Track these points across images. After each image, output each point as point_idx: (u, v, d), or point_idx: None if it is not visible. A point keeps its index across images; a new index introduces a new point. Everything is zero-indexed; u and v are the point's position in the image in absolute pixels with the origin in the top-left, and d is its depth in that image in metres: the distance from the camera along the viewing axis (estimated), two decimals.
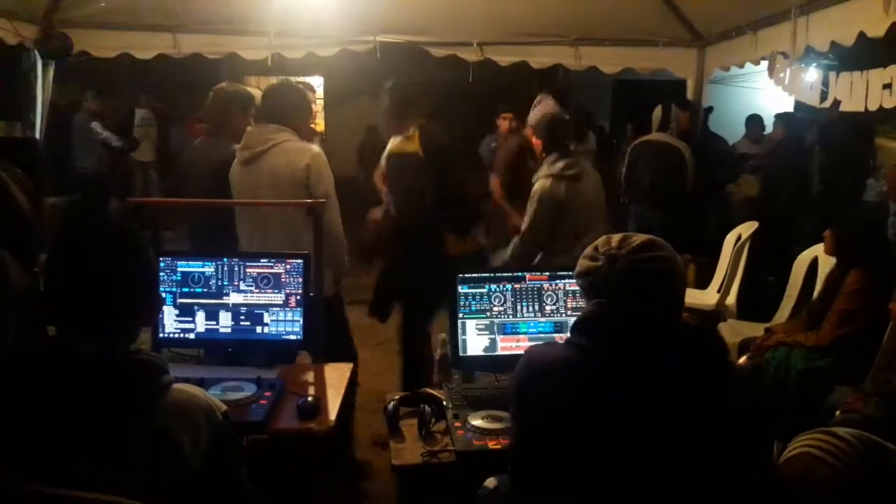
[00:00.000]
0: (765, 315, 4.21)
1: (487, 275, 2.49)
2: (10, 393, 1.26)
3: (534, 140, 4.02)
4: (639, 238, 1.54)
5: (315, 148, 3.12)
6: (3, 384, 1.28)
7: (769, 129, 7.01)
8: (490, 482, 1.78)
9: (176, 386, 1.39)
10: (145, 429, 1.28)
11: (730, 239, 4.93)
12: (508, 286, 2.47)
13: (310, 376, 2.43)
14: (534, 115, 4.94)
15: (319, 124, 6.66)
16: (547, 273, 2.50)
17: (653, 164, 5.40)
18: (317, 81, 6.86)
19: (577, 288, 2.39)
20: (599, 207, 4.08)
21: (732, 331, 4.06)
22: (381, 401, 2.40)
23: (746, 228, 4.83)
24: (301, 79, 5.66)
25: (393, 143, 3.77)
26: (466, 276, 2.48)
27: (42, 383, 1.27)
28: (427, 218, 3.58)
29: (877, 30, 3.24)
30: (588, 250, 1.58)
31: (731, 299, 4.65)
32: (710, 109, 6.54)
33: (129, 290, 1.39)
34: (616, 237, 1.56)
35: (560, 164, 3.82)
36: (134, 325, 1.43)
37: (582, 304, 2.39)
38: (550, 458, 1.49)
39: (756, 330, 3.80)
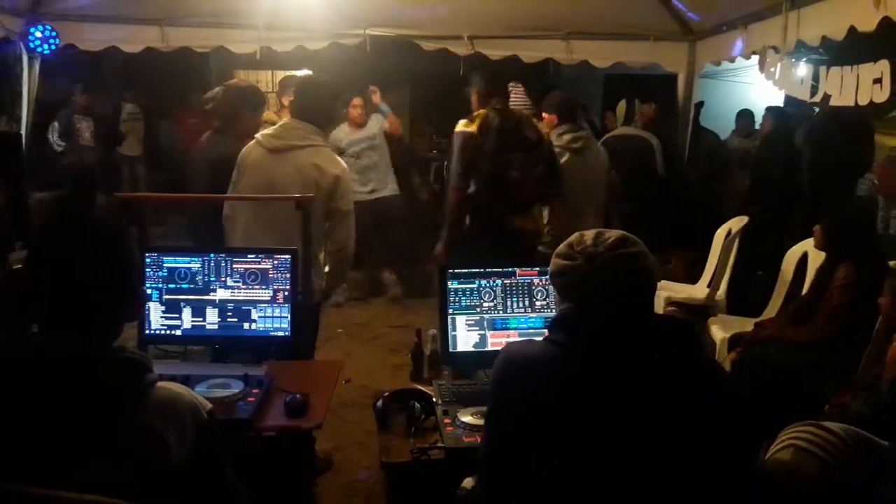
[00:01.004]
0: (755, 310, 4.21)
1: (477, 270, 2.48)
2: None
3: (545, 116, 4.29)
4: (612, 234, 1.53)
5: (344, 164, 3.17)
6: None
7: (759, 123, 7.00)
8: (468, 482, 1.77)
9: (160, 384, 1.37)
10: (130, 428, 1.27)
11: (720, 233, 4.93)
12: (498, 281, 2.46)
13: (298, 373, 2.40)
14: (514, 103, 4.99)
15: None
16: (537, 268, 2.49)
17: (622, 156, 5.48)
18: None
19: None
20: (601, 182, 4.37)
21: (722, 325, 4.06)
22: (371, 397, 2.39)
23: (736, 223, 4.83)
24: (291, 73, 5.61)
25: (460, 123, 3.84)
26: (456, 271, 2.47)
27: (25, 382, 1.25)
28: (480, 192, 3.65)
29: (867, 24, 3.24)
30: (562, 249, 1.56)
31: (721, 294, 4.65)
32: (701, 104, 6.56)
33: (113, 286, 1.37)
34: (589, 234, 1.55)
35: (567, 137, 4.11)
36: (117, 322, 1.41)
37: None
38: (526, 457, 1.48)
39: (746, 325, 3.81)
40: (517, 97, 4.86)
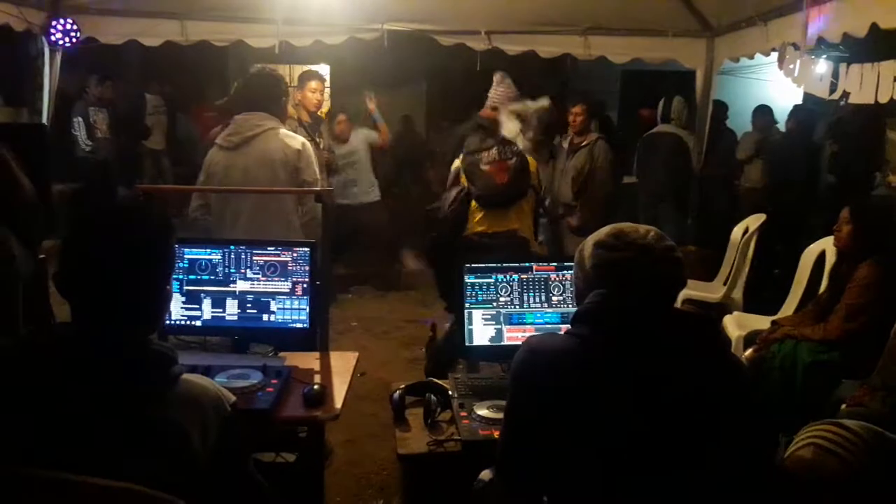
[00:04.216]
0: (771, 308, 4.20)
1: (494, 265, 2.49)
2: (22, 381, 1.27)
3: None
4: (650, 228, 1.55)
5: (302, 137, 3.27)
6: (15, 372, 1.28)
7: (779, 121, 6.94)
8: (485, 474, 1.76)
9: (185, 377, 1.38)
10: (155, 420, 1.28)
11: (737, 231, 4.91)
12: (515, 276, 2.47)
13: (315, 364, 2.43)
14: (495, 95, 5.09)
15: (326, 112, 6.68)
16: (554, 264, 2.50)
17: (657, 154, 5.50)
18: (324, 69, 6.84)
19: None
20: None
21: (739, 323, 4.05)
22: (386, 389, 2.41)
23: (754, 221, 4.81)
24: (309, 67, 5.63)
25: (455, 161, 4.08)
26: (473, 265, 2.48)
27: (54, 372, 1.27)
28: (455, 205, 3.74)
29: (890, 21, 3.21)
30: (607, 240, 1.55)
31: (738, 292, 4.64)
32: (724, 105, 6.61)
33: (145, 282, 1.37)
34: (629, 227, 1.55)
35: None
36: (151, 316, 1.42)
37: None
38: (544, 450, 1.48)
39: (762, 323, 3.79)
40: (501, 91, 4.90)
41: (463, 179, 3.75)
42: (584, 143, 5.13)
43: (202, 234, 3.20)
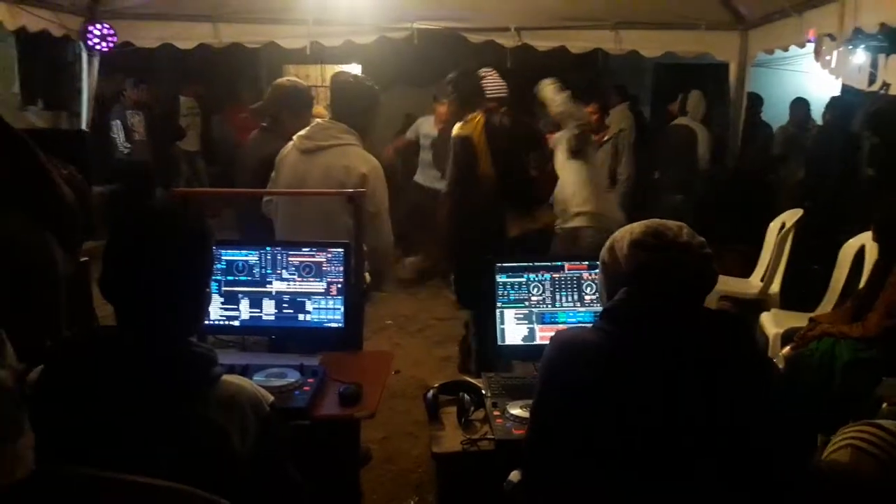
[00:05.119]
0: (809, 305, 4.12)
1: (526, 264, 2.49)
2: (63, 381, 1.30)
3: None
4: (681, 224, 1.54)
5: (376, 161, 3.07)
6: (58, 372, 1.32)
7: (816, 113, 6.82)
8: (514, 475, 1.77)
9: (225, 378, 1.40)
10: (195, 420, 1.31)
11: (774, 226, 4.83)
12: (547, 275, 2.46)
13: (351, 364, 2.46)
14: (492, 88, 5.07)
15: None
16: (586, 262, 2.49)
17: (668, 146, 5.51)
18: (355, 69, 6.91)
19: None
20: None
21: (776, 320, 3.99)
22: (420, 388, 2.43)
23: (791, 216, 4.73)
24: (340, 67, 5.69)
25: (456, 127, 3.86)
26: (504, 265, 2.48)
27: (95, 373, 1.30)
28: (482, 198, 3.63)
29: None
30: (645, 240, 1.52)
31: (775, 288, 4.57)
32: (759, 100, 6.52)
33: (182, 282, 1.40)
34: (663, 224, 1.54)
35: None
36: (189, 316, 1.44)
37: None
38: (570, 444, 1.48)
39: (800, 320, 3.73)
40: (493, 83, 4.88)
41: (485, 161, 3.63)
42: (606, 139, 5.11)
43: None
